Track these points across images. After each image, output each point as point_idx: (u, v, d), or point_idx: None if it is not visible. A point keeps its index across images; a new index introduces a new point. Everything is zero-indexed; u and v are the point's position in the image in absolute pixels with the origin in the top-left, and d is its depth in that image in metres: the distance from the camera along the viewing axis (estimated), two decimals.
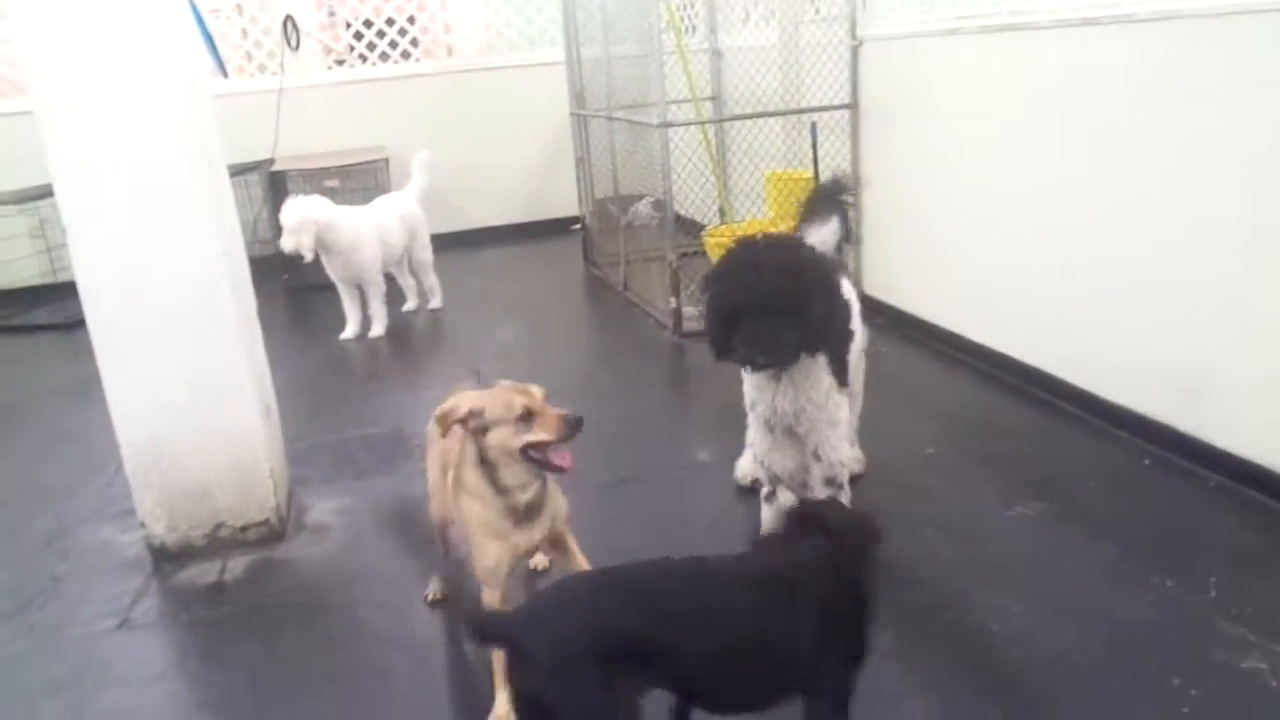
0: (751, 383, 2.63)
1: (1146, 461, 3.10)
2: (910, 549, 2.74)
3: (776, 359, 2.41)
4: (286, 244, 5.01)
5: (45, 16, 2.58)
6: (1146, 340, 3.19)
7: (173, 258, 2.83)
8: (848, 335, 2.65)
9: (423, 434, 2.47)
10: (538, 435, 2.00)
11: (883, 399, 3.76)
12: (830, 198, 3.01)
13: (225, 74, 6.88)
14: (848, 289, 2.74)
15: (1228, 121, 2.78)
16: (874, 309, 4.81)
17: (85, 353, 2.89)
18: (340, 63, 7.62)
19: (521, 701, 1.60)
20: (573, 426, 1.99)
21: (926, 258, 4.45)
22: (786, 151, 5.28)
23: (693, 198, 5.58)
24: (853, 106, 4.67)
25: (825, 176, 4.77)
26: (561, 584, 1.74)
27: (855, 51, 4.63)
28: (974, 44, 3.84)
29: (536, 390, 2.06)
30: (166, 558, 3.00)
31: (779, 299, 2.29)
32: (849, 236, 2.99)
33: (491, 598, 2.12)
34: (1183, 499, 2.90)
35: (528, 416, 2.00)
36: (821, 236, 2.90)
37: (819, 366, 2.53)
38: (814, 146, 4.82)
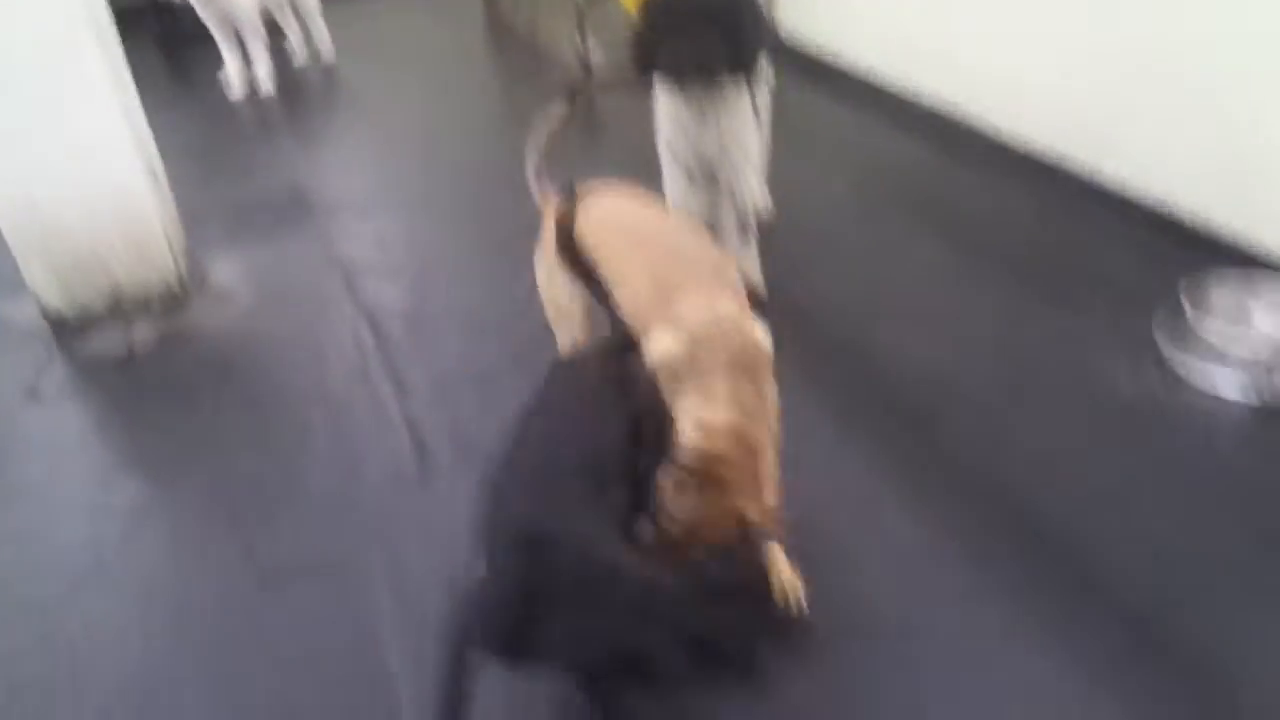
0: (672, 121, 2.56)
1: (1047, 202, 3.20)
2: (819, 290, 2.82)
3: (709, 71, 2.37)
4: None
5: None
6: (1054, 82, 3.20)
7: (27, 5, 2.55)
8: (756, 65, 2.60)
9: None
10: None
11: (798, 148, 3.74)
12: None
13: None
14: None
15: None
16: (792, 56, 4.68)
17: None
18: None
19: None
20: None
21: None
22: None
23: None
24: None
25: None
26: None
27: None
28: None
29: None
30: (66, 329, 2.90)
31: (705, 8, 2.27)
32: None
33: None
34: (1081, 237, 3.02)
35: None
36: None
37: (743, 102, 2.50)
38: None
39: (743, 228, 2.67)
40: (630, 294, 1.79)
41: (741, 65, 2.38)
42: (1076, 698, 1.59)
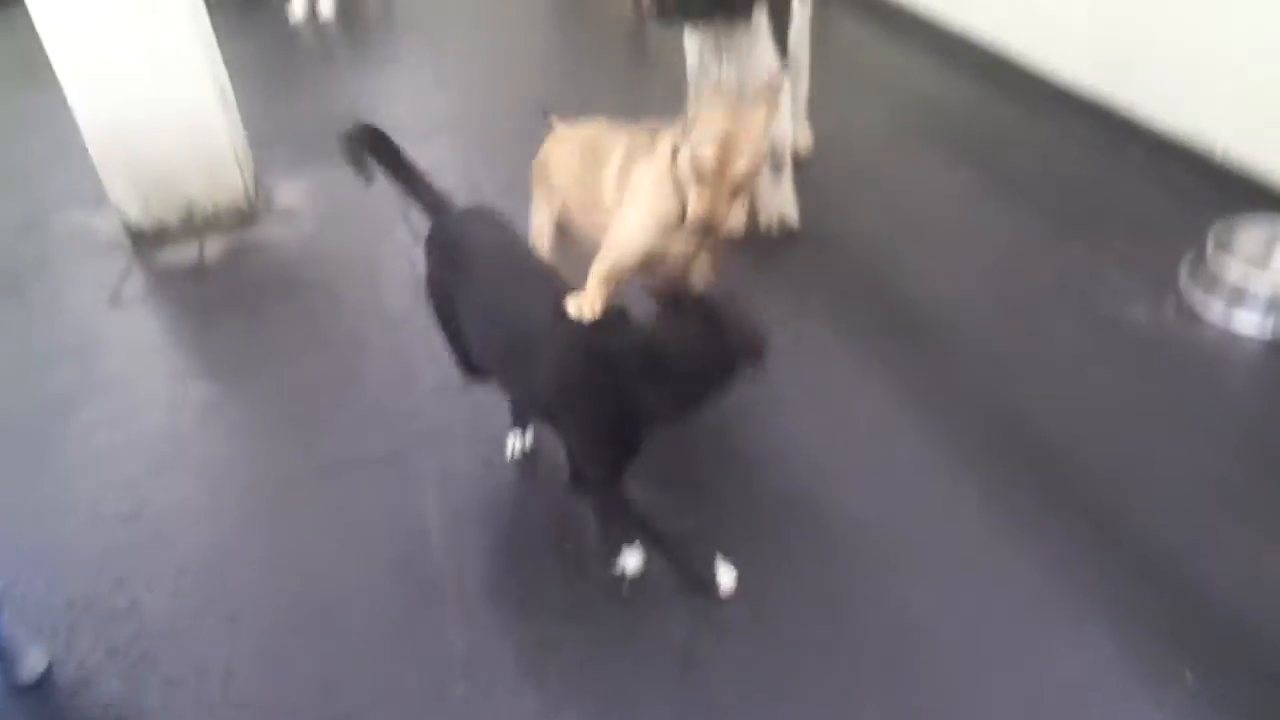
0: (696, 55, 2.66)
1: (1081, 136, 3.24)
2: (848, 221, 2.92)
3: (687, 10, 2.45)
4: None
5: None
6: (1101, 21, 3.20)
7: None
8: (783, 6, 2.65)
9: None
10: None
11: (846, 83, 3.80)
12: None
13: None
14: None
15: None
16: None
17: (21, 30, 2.81)
18: None
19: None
20: None
21: None
22: None
23: None
24: None
25: None
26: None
27: None
28: None
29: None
30: (144, 240, 3.13)
31: None
32: None
33: None
34: (1107, 169, 3.07)
35: None
36: None
37: (763, 38, 2.56)
38: None
39: (773, 159, 2.77)
40: (571, 199, 2.11)
41: (742, 8, 2.43)
42: (1036, 586, 1.73)
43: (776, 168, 2.79)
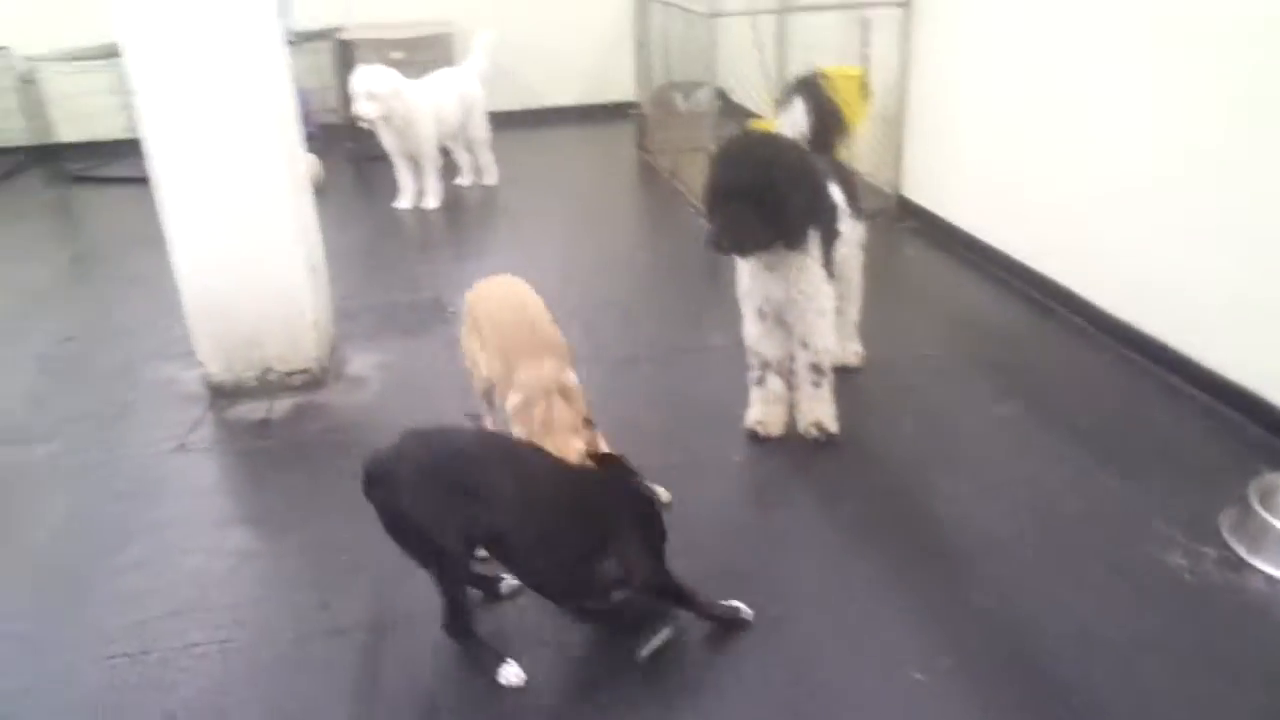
0: (745, 272, 2.80)
1: (1136, 376, 3.23)
2: (887, 436, 2.94)
3: (740, 247, 2.60)
4: (358, 110, 5.20)
5: None
6: (1155, 261, 3.26)
7: (231, 123, 3.07)
8: (829, 231, 2.78)
9: (462, 304, 2.75)
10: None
11: (899, 301, 3.92)
12: (800, 84, 3.08)
13: None
14: (835, 190, 2.87)
15: None
16: (910, 212, 4.91)
17: (148, 203, 3.18)
18: None
19: (382, 514, 1.98)
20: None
21: (964, 163, 4.48)
22: (844, 47, 5.27)
23: (752, 89, 5.63)
24: (905, 4, 4.64)
25: (870, 74, 4.80)
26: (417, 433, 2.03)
27: None
28: None
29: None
30: (221, 394, 3.35)
31: (745, 188, 2.46)
32: (831, 124, 3.06)
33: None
34: (1159, 411, 3.03)
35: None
36: (790, 120, 3.02)
37: (811, 259, 2.69)
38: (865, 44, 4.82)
39: (814, 370, 2.84)
40: (489, 362, 2.57)
41: (786, 238, 2.55)
42: None
43: (816, 375, 2.86)
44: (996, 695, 1.96)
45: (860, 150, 5.41)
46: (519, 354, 2.41)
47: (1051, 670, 2.02)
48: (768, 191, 2.45)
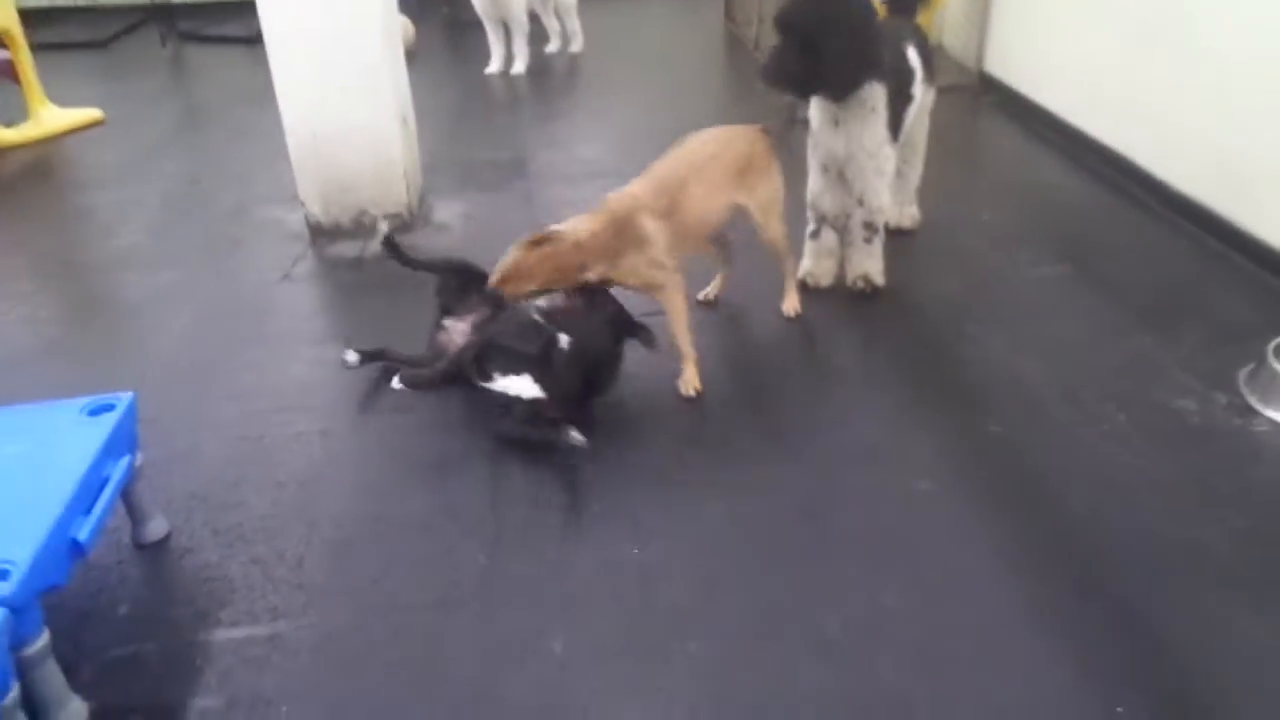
0: (815, 124, 2.94)
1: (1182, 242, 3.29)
2: (932, 290, 3.11)
3: (779, 80, 2.73)
4: None
5: None
6: (1236, 142, 3.25)
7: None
8: (900, 93, 2.88)
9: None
10: None
11: (967, 170, 4.00)
12: None
13: None
14: (911, 54, 2.96)
15: None
16: (992, 86, 4.88)
17: (259, 62, 3.45)
18: None
19: None
20: None
21: (1050, 40, 4.43)
22: None
23: None
24: None
25: None
26: None
27: None
28: None
29: None
30: (321, 234, 3.68)
31: (793, 27, 2.63)
32: None
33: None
34: (1207, 279, 3.11)
35: None
36: None
37: (876, 116, 2.82)
38: None
39: (867, 227, 3.00)
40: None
41: (829, 84, 2.70)
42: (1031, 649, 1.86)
43: (868, 232, 3.01)
44: (998, 513, 2.17)
45: (948, 22, 5.35)
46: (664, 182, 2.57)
47: (1057, 501, 2.21)
48: (814, 33, 2.59)
